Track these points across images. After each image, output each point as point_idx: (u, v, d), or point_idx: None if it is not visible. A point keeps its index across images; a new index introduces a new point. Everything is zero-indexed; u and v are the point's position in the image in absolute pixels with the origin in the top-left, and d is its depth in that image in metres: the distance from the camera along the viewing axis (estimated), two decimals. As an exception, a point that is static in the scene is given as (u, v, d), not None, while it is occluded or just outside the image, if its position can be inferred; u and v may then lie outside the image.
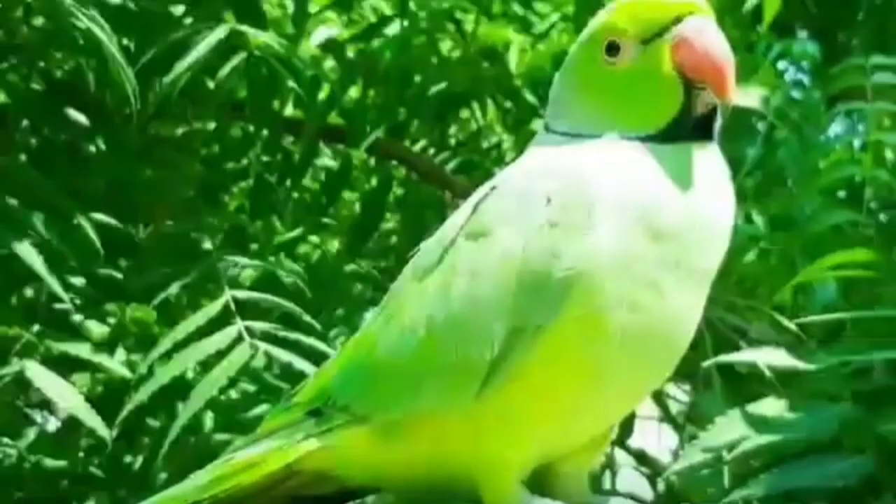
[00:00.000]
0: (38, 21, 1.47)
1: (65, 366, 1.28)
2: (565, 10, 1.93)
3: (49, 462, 1.46)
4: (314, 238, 2.05)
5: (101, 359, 1.30)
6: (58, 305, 1.30)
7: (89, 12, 1.16)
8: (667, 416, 1.79)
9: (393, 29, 1.84)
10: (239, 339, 1.23)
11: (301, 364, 1.21)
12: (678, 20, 0.72)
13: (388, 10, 1.92)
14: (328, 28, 1.88)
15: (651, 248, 0.69)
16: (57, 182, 1.33)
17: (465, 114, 2.08)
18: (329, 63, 1.90)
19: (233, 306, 1.27)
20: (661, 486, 1.74)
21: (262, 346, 1.22)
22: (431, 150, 1.98)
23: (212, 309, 1.27)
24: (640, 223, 0.69)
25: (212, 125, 1.75)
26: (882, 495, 1.10)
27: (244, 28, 1.40)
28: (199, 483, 0.80)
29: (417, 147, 1.98)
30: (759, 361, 1.17)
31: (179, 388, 1.31)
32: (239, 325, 1.24)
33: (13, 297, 1.43)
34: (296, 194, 1.90)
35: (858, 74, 1.44)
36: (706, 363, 1.20)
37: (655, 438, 1.87)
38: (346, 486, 0.80)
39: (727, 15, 1.44)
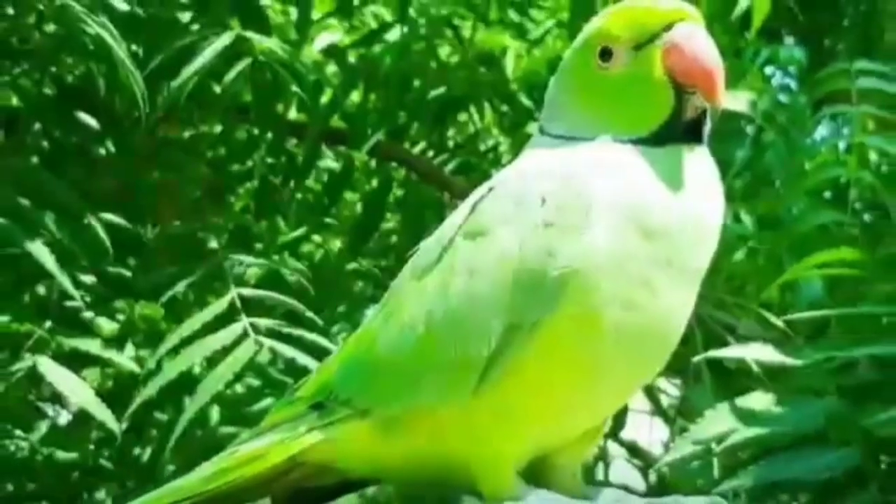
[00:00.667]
0: (50, 27, 1.48)
1: (76, 361, 1.29)
2: (560, 17, 1.95)
3: (60, 454, 1.47)
4: (317, 237, 2.06)
5: (111, 354, 1.31)
6: (69, 303, 1.31)
7: (99, 19, 1.18)
8: (658, 410, 1.79)
9: (393, 35, 1.86)
10: (244, 336, 1.24)
11: (304, 359, 1.23)
12: (669, 27, 0.74)
13: (388, 17, 1.94)
14: (330, 34, 1.89)
15: (644, 247, 0.71)
16: (68, 183, 1.34)
17: (463, 117, 2.09)
18: (331, 68, 1.91)
19: (238, 303, 1.29)
20: (652, 477, 1.76)
21: (267, 342, 1.23)
22: (430, 153, 1.99)
23: (218, 306, 1.29)
24: (634, 223, 0.71)
25: (218, 128, 1.77)
26: (867, 487, 1.12)
27: (249, 34, 1.41)
28: (204, 475, 0.81)
29: (417, 149, 1.99)
30: (747, 357, 1.19)
31: (186, 382, 1.33)
32: (244, 321, 1.26)
33: (26, 294, 1.44)
34: (299, 195, 1.92)
35: (844, 79, 1.45)
36: (696, 358, 1.23)
37: (647, 431, 1.86)
38: (348, 478, 0.82)
39: (716, 21, 1.43)
